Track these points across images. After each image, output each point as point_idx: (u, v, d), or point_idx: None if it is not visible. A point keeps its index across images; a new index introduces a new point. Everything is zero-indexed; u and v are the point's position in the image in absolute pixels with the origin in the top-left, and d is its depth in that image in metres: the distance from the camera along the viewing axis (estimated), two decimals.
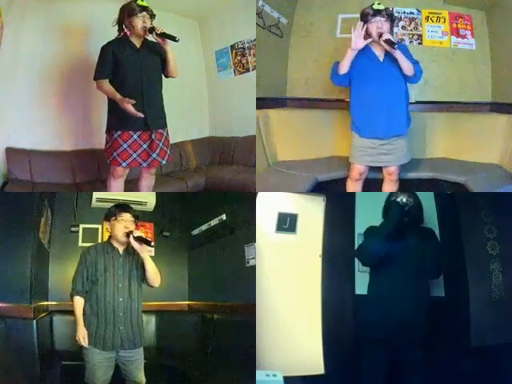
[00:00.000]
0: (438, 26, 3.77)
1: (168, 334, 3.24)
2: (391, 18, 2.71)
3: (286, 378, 2.07)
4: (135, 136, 2.75)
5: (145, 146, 2.78)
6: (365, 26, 2.64)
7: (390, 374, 2.33)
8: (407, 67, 2.68)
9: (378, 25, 2.64)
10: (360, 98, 2.80)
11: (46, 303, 3.07)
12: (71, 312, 3.02)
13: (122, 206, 2.39)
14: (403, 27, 3.78)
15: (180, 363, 2.98)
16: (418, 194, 2.50)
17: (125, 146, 2.73)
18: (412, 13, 3.78)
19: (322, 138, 3.40)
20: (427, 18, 3.78)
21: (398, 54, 2.65)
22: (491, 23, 3.67)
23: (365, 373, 2.37)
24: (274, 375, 2.06)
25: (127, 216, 2.31)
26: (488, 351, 2.45)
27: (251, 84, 3.40)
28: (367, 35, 2.68)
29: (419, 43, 3.79)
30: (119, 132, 2.73)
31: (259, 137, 3.34)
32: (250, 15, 3.39)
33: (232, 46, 4.21)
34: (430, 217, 2.71)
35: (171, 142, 4.21)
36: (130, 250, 2.30)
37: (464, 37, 3.75)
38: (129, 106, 2.62)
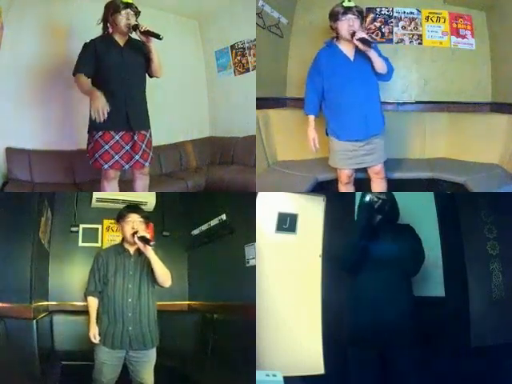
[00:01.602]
0: (437, 26, 3.77)
1: (168, 334, 3.23)
2: (362, 16, 2.63)
3: (286, 378, 2.07)
4: (117, 137, 2.66)
5: (127, 147, 2.69)
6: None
7: (377, 374, 2.28)
8: (381, 65, 2.61)
9: (350, 23, 2.56)
10: (334, 100, 2.72)
11: (46, 303, 3.08)
12: (71, 312, 3.07)
13: (131, 207, 2.40)
14: (403, 27, 3.78)
15: (180, 363, 2.98)
16: (418, 194, 2.50)
17: (106, 147, 2.64)
18: (412, 13, 3.78)
19: (321, 138, 3.39)
20: (427, 18, 3.78)
21: (372, 53, 2.57)
22: (491, 23, 3.67)
23: (353, 375, 2.32)
24: (274, 375, 2.06)
25: (135, 217, 2.31)
26: (488, 351, 2.45)
27: (251, 84, 3.39)
28: (336, 34, 2.65)
29: (419, 43, 3.79)
30: (100, 133, 2.63)
31: (259, 137, 3.34)
32: (250, 15, 3.39)
33: (232, 46, 4.21)
34: (430, 217, 2.71)
35: (172, 142, 4.24)
36: (141, 251, 2.29)
37: (464, 37, 3.75)
38: (96, 103, 2.46)
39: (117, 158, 2.67)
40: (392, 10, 3.78)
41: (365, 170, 2.92)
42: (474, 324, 2.51)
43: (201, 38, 4.55)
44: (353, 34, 2.54)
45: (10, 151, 3.33)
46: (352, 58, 2.67)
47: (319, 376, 2.61)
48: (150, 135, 2.84)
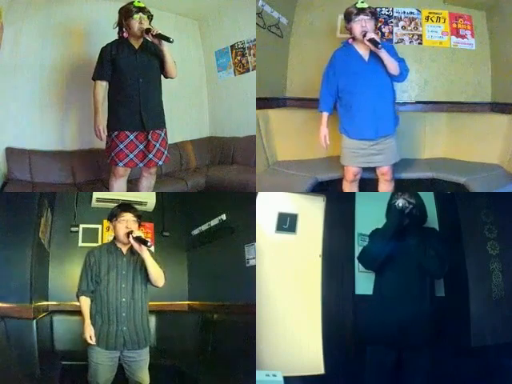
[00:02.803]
0: (438, 26, 3.77)
1: (168, 334, 3.24)
2: (375, 17, 2.68)
3: (286, 378, 2.08)
4: (132, 136, 2.76)
5: (141, 146, 2.79)
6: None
7: (394, 374, 2.32)
8: (392, 66, 2.65)
9: (362, 23, 2.61)
10: (347, 99, 2.77)
11: (45, 303, 3.08)
12: (71, 312, 3.06)
13: (124, 206, 2.38)
14: (403, 27, 3.79)
15: (180, 363, 2.98)
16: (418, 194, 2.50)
17: (121, 146, 2.74)
18: (412, 13, 3.79)
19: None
20: (427, 18, 3.78)
21: (382, 54, 2.61)
22: (491, 23, 3.68)
23: (369, 373, 2.36)
24: (274, 375, 2.07)
25: (129, 216, 2.30)
26: (488, 351, 2.45)
27: (251, 84, 3.40)
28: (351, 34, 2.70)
29: (419, 43, 3.79)
30: (116, 132, 2.74)
31: (259, 137, 3.34)
32: (250, 15, 3.40)
33: (232, 46, 4.21)
34: (430, 217, 2.70)
35: (171, 142, 4.21)
36: (134, 251, 2.28)
37: (464, 37, 3.75)
38: (97, 131, 2.75)
39: (131, 156, 2.77)
40: (392, 10, 3.78)
41: (373, 170, 2.93)
42: (474, 324, 2.51)
43: (201, 38, 4.55)
44: (364, 35, 2.59)
45: (10, 151, 3.32)
46: (366, 59, 2.72)
47: (319, 376, 2.61)
48: (166, 134, 2.91)
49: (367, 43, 2.60)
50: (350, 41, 2.76)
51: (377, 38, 2.58)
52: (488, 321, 2.51)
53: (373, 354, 2.36)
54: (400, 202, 2.36)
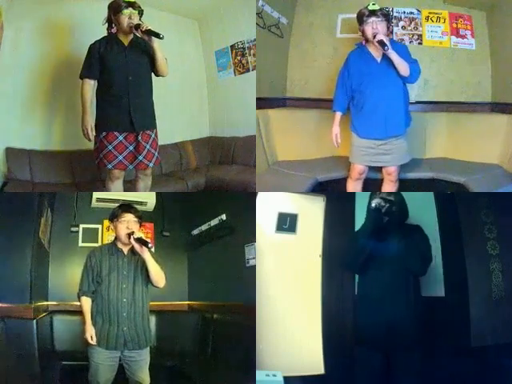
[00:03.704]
0: (438, 26, 3.77)
1: (168, 334, 3.24)
2: (387, 18, 2.71)
3: (286, 378, 2.07)
4: (121, 137, 2.68)
5: (131, 147, 2.71)
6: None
7: (383, 375, 2.30)
8: (402, 68, 2.67)
9: (373, 25, 2.64)
10: (359, 99, 2.80)
11: (45, 303, 3.08)
12: (71, 312, 3.07)
13: (125, 207, 2.37)
14: (403, 27, 3.79)
15: (180, 363, 2.98)
16: (418, 194, 2.50)
17: (110, 147, 2.66)
18: (412, 13, 3.79)
19: (321, 138, 3.40)
20: (427, 18, 3.78)
21: (392, 55, 2.64)
22: (491, 23, 3.68)
23: (359, 375, 2.35)
24: (274, 375, 2.07)
25: (129, 216, 2.29)
26: (488, 351, 2.45)
27: (251, 84, 3.40)
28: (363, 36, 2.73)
29: (419, 43, 3.79)
30: (104, 133, 2.67)
31: (259, 137, 3.34)
32: (250, 15, 3.40)
33: (232, 46, 4.21)
34: (430, 217, 2.71)
35: (171, 142, 4.24)
36: (135, 251, 2.28)
37: (464, 37, 3.75)
38: (85, 130, 2.68)
39: (120, 158, 2.70)
40: (392, 10, 3.78)
41: (378, 170, 2.95)
42: (474, 324, 2.51)
43: (201, 37, 4.55)
44: (374, 37, 2.62)
45: (10, 151, 3.32)
46: (379, 60, 2.75)
47: (319, 376, 2.60)
48: (156, 135, 2.83)
49: (376, 45, 2.63)
50: (364, 42, 2.80)
51: (385, 40, 2.60)
52: (488, 321, 2.51)
53: (359, 355, 2.35)
54: (374, 202, 2.33)
